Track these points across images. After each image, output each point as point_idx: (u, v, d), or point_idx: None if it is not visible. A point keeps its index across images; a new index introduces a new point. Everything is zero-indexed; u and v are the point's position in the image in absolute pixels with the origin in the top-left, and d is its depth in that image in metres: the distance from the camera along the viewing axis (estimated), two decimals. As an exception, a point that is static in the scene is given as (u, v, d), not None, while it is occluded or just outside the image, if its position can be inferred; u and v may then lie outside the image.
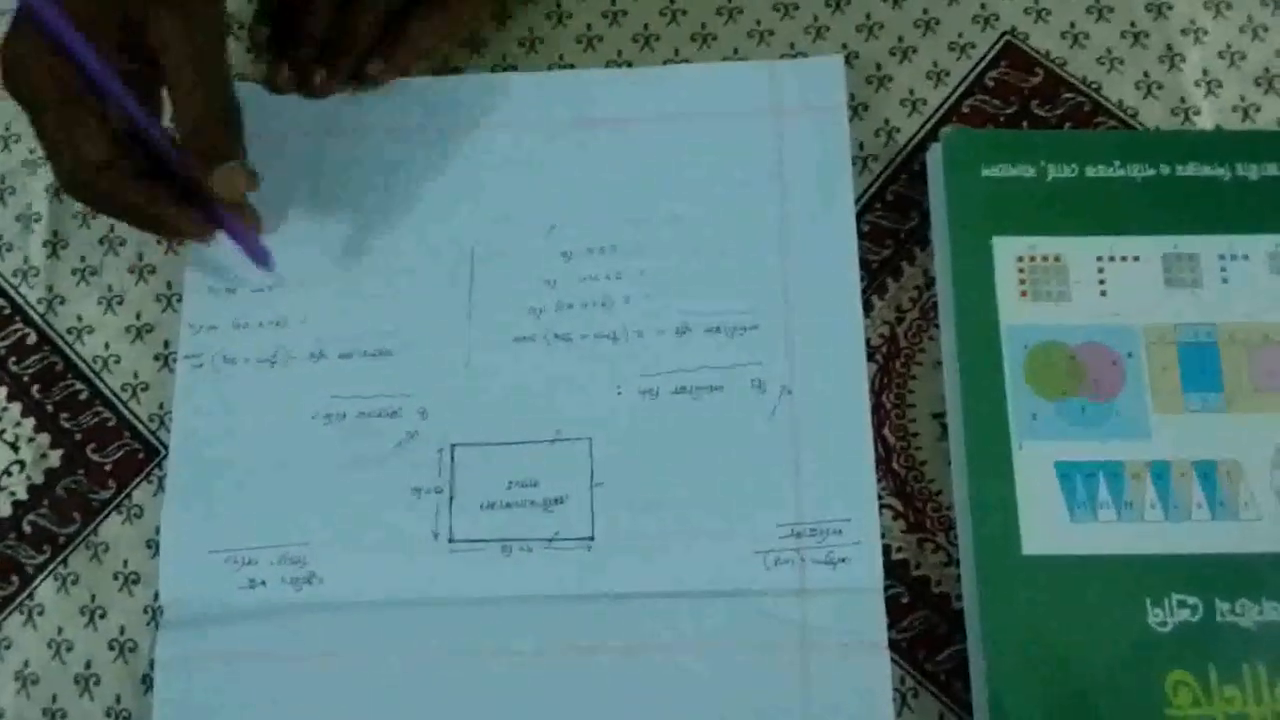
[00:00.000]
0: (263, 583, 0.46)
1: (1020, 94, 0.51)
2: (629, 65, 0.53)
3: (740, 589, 0.45)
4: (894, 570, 0.46)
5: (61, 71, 0.40)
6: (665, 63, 0.53)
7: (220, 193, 0.42)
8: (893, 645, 0.45)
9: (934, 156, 0.49)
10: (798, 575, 0.45)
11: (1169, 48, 0.51)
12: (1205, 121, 0.50)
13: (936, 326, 0.48)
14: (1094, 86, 0.51)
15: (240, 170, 0.41)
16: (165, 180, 0.42)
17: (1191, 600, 0.43)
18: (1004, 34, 0.52)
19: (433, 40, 0.49)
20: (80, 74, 0.40)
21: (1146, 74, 0.51)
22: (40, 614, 0.48)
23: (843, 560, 0.45)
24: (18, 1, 0.40)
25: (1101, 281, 0.47)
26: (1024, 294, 0.47)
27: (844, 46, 0.52)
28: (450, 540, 0.46)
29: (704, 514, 0.46)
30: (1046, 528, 0.44)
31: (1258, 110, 0.50)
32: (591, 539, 0.46)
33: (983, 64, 0.52)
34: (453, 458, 0.47)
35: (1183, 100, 0.50)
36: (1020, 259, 0.47)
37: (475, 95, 0.51)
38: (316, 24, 0.46)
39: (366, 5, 0.46)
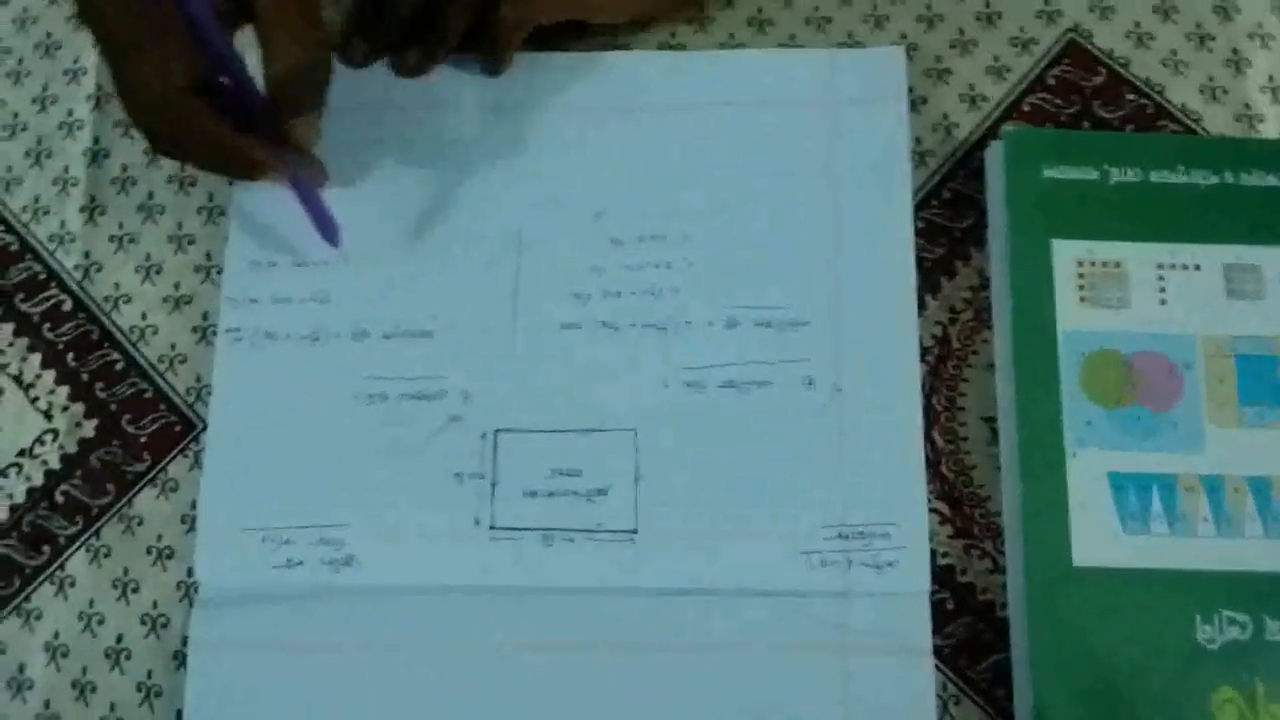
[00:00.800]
0: (300, 563, 0.45)
1: (1082, 93, 0.50)
2: (681, 49, 0.52)
3: (783, 589, 0.44)
4: (939, 575, 0.45)
5: None
6: (720, 47, 0.51)
7: (298, 140, 0.41)
8: (935, 651, 0.44)
9: (994, 154, 0.49)
10: (842, 578, 0.44)
11: (1235, 51, 0.50)
12: (1270, 129, 0.49)
13: (990, 328, 0.48)
14: (1158, 89, 0.50)
15: (318, 122, 0.41)
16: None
17: (1241, 618, 0.43)
18: (1067, 31, 0.51)
19: (526, 25, 0.47)
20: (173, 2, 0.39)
21: (1211, 78, 0.50)
22: (71, 585, 0.47)
23: (889, 564, 0.44)
24: None
25: (1162, 289, 0.46)
26: (1083, 299, 0.46)
27: (903, 37, 0.51)
28: (491, 527, 0.45)
29: (749, 512, 0.45)
30: (1098, 539, 0.43)
31: (1324, 120, 0.49)
32: (634, 532, 0.45)
33: (1045, 61, 0.51)
34: (495, 444, 0.46)
35: (1247, 107, 0.49)
36: (1080, 263, 0.46)
37: (525, 75, 0.50)
38: (408, 2, 0.45)
39: None
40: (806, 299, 0.47)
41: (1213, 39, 0.50)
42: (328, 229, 0.47)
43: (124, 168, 0.52)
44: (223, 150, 0.42)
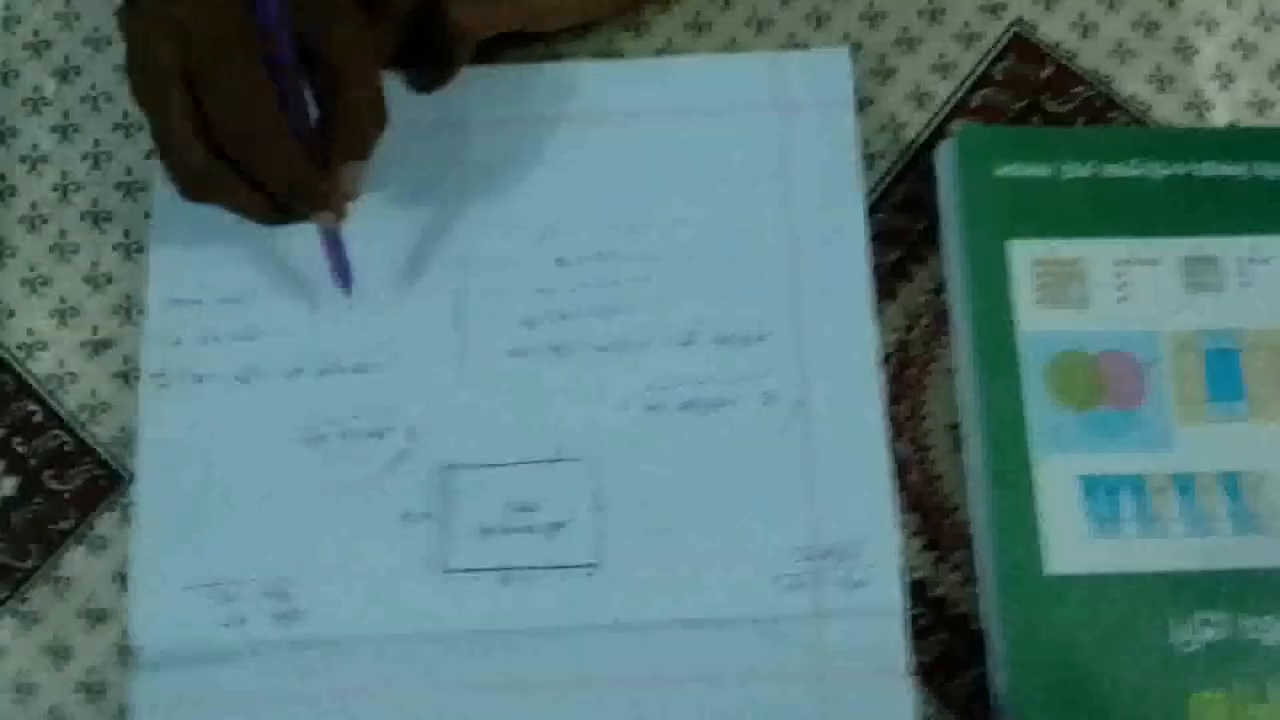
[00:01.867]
0: (244, 619, 0.43)
1: (1030, 88, 0.49)
2: (619, 55, 0.50)
3: (755, 616, 0.43)
4: (911, 590, 0.44)
5: (239, 19, 0.38)
6: (658, 53, 0.50)
7: (345, 186, 0.41)
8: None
9: (944, 154, 0.47)
10: (815, 599, 0.43)
11: (1181, 40, 0.49)
12: (1219, 117, 0.49)
13: (948, 333, 0.46)
14: (1106, 80, 0.49)
15: (364, 171, 0.41)
16: None
17: (1216, 618, 0.42)
18: (1012, 24, 0.50)
19: (477, 35, 0.46)
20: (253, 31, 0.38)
21: (1159, 67, 0.49)
22: (1, 655, 0.44)
23: (861, 583, 0.43)
24: None
25: (1121, 286, 0.45)
26: (1041, 299, 0.45)
27: (846, 36, 0.50)
28: (445, 569, 0.43)
29: (714, 537, 0.43)
30: (1069, 545, 0.43)
31: (1272, 106, 0.49)
32: (596, 565, 0.43)
33: (991, 56, 0.50)
34: (446, 480, 0.44)
35: (1197, 94, 0.49)
36: (1037, 263, 0.45)
37: (462, 89, 0.48)
38: None
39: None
40: (763, 312, 0.45)
41: (1159, 27, 0.50)
42: (344, 275, 0.45)
43: (33, 205, 0.48)
44: (290, 180, 0.40)
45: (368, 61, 0.41)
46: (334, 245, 0.44)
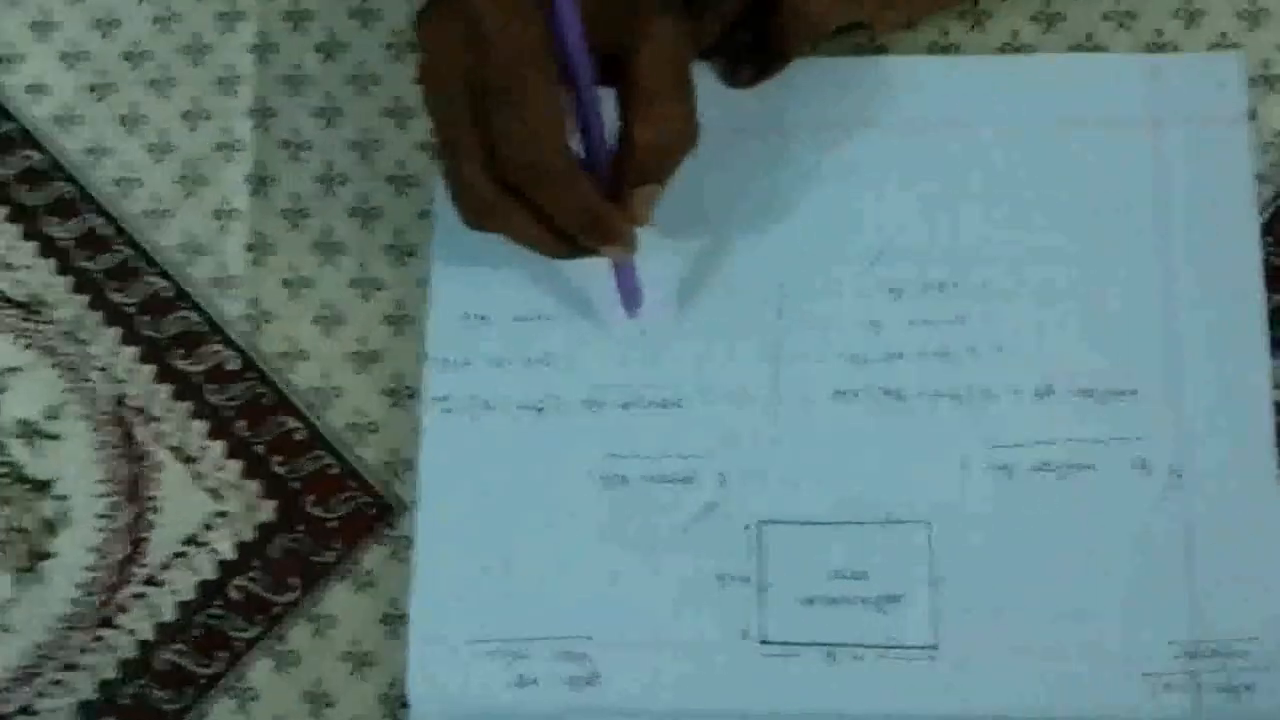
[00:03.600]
0: (534, 681, 0.38)
1: None
2: (954, 50, 0.43)
3: (1120, 718, 0.37)
4: (1297, 697, 0.38)
5: (541, 34, 0.34)
6: (1002, 48, 0.43)
7: (638, 212, 0.36)
8: (1299, 790, 0.37)
9: (1348, 182, 0.40)
10: (1191, 704, 0.37)
11: None
12: None
13: (1349, 394, 0.40)
14: None
15: (659, 194, 0.37)
16: None
17: None
18: None
19: (820, 27, 0.41)
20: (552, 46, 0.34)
21: None
22: (254, 699, 0.40)
23: (1248, 687, 0.37)
24: None
25: None
26: None
27: (1223, 36, 0.43)
28: (763, 641, 0.38)
29: (1074, 624, 0.38)
30: None
31: None
32: (935, 648, 0.38)
33: (1392, 63, 0.42)
34: (761, 538, 0.39)
35: None
36: None
37: (773, 88, 0.42)
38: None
39: None
40: (1135, 362, 0.39)
41: None
42: (633, 300, 0.40)
43: (294, 196, 0.44)
44: (580, 215, 0.36)
45: (682, 78, 0.36)
46: (624, 272, 0.39)
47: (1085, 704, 0.37)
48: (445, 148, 0.36)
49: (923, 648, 0.38)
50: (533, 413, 0.40)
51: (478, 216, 0.37)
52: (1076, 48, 0.43)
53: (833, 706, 0.38)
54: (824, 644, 0.38)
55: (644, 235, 0.37)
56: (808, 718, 0.38)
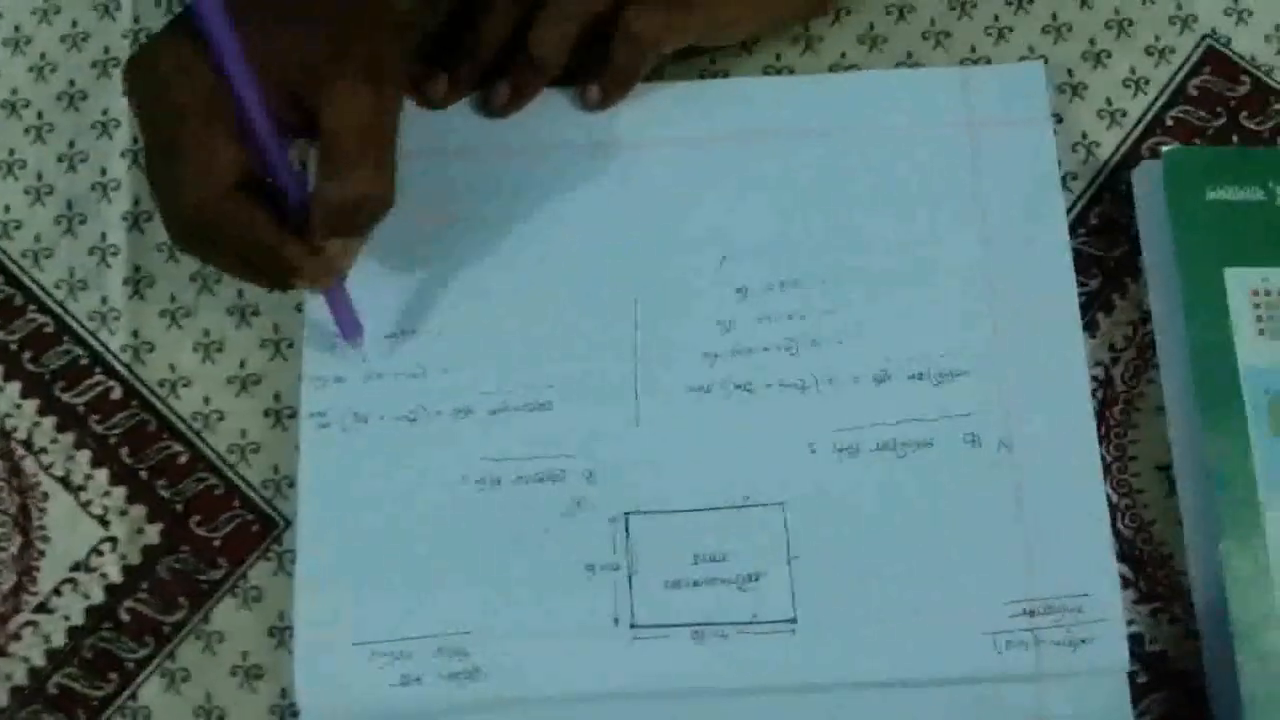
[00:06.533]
0: (418, 679, 0.40)
1: (1227, 104, 0.46)
2: (789, 71, 0.47)
3: (967, 677, 0.40)
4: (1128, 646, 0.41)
5: (210, 88, 0.34)
6: (831, 69, 0.47)
7: (333, 260, 0.37)
8: (1134, 732, 0.40)
9: (1145, 176, 0.44)
10: (1033, 659, 0.40)
11: (1387, 51, 0.47)
12: None
13: (1156, 367, 0.43)
14: (1308, 96, 0.46)
15: (356, 249, 0.37)
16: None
17: None
18: (1204, 37, 0.47)
19: (659, 48, 0.43)
20: (228, 99, 0.34)
21: (1364, 81, 0.46)
22: (147, 718, 0.41)
23: (1084, 641, 0.40)
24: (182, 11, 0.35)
25: (1348, 318, 0.42)
26: (1261, 332, 0.42)
27: (1030, 50, 0.47)
28: (632, 625, 0.40)
29: (921, 590, 0.40)
30: (1307, 598, 0.39)
31: None
32: (794, 621, 0.40)
33: (1184, 71, 0.47)
34: (628, 528, 0.41)
35: (1407, 111, 0.46)
36: (1254, 293, 0.42)
37: (628, 107, 0.45)
38: (497, 30, 0.40)
39: (557, 15, 0.40)
40: (962, 345, 0.42)
41: (1361, 38, 0.47)
42: (348, 327, 0.41)
43: (171, 232, 0.45)
44: (265, 254, 0.36)
45: (373, 142, 0.35)
46: (335, 303, 0.40)
47: (936, 665, 0.40)
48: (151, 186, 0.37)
49: (783, 622, 0.40)
50: (406, 423, 0.42)
51: (183, 248, 0.37)
52: (899, 65, 0.47)
53: (702, 683, 0.40)
54: (690, 624, 0.40)
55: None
56: (679, 694, 0.40)
